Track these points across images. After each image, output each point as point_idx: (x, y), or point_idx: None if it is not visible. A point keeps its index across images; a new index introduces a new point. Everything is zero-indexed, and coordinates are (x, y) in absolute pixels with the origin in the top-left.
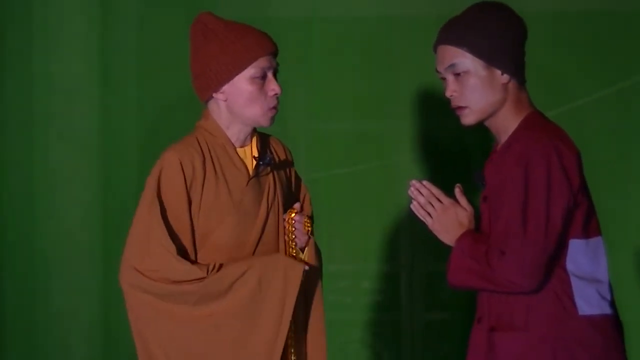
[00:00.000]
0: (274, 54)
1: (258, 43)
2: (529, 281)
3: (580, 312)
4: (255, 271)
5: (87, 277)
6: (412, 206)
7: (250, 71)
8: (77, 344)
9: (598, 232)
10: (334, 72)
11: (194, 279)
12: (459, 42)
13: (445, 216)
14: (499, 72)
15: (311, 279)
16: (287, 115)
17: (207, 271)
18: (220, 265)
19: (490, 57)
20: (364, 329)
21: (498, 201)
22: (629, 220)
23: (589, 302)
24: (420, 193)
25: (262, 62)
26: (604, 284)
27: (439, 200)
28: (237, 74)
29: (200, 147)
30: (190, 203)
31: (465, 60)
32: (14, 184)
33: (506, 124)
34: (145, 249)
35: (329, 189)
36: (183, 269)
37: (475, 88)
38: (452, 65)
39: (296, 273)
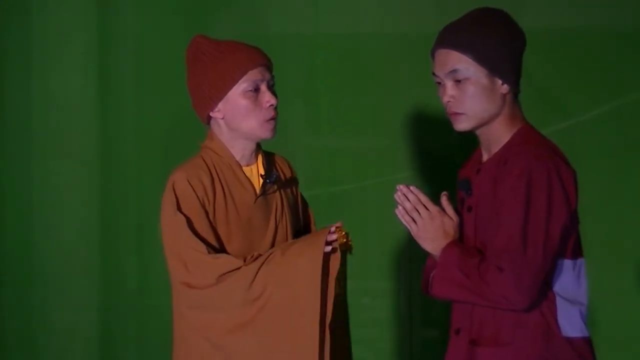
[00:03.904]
0: (266, 66)
1: (247, 57)
2: (525, 298)
3: (563, 334)
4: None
5: (84, 294)
6: (397, 211)
7: (242, 85)
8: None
9: (582, 254)
10: (335, 89)
11: (233, 269)
12: (465, 48)
13: (431, 224)
14: (499, 81)
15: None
16: (287, 131)
17: (244, 260)
18: (258, 255)
19: (494, 66)
20: (362, 346)
21: (493, 215)
22: (624, 239)
23: (571, 323)
24: (407, 198)
25: (253, 75)
26: (584, 307)
27: (425, 207)
28: (229, 90)
29: (208, 166)
30: (207, 213)
31: (469, 67)
32: (12, 199)
33: (498, 135)
34: (182, 259)
35: (329, 206)
36: (219, 262)
37: (475, 96)
38: (454, 71)
39: (334, 259)
